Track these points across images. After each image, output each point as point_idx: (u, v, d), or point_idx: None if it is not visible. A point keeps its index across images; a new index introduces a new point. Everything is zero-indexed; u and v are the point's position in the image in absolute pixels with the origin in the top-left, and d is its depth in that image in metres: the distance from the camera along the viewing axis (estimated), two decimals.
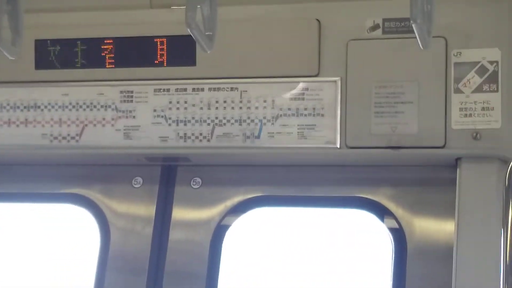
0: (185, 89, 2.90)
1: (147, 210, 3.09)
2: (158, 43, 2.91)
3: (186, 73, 2.90)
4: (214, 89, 2.88)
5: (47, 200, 3.24)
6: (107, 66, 2.96)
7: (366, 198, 2.92)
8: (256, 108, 2.84)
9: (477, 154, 2.68)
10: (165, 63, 2.90)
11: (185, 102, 2.90)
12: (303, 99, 2.80)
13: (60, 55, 3.00)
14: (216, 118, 2.87)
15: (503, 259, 2.17)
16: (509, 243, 2.16)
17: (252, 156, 2.90)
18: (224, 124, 2.86)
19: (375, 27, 2.78)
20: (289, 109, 2.81)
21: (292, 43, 2.82)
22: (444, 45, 2.70)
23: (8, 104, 3.04)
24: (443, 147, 2.69)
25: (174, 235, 3.06)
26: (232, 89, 2.86)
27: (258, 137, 2.83)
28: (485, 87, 2.67)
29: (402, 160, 2.81)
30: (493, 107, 2.66)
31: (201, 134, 2.88)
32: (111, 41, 2.95)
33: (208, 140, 2.87)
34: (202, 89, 2.89)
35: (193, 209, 3.07)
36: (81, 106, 2.98)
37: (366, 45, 2.77)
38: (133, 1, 3.01)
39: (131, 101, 2.94)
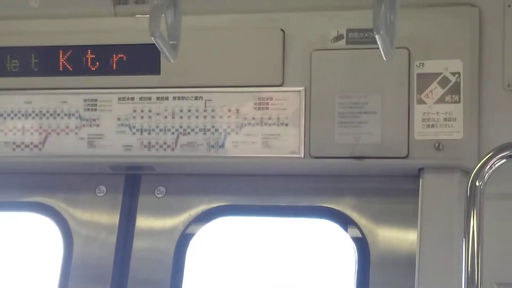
0: (149, 98, 2.89)
1: (111, 219, 3.07)
2: (123, 52, 2.91)
3: (150, 81, 2.89)
4: (179, 98, 2.87)
5: (10, 208, 3.21)
6: (71, 74, 2.94)
7: (330, 208, 2.93)
8: (221, 117, 2.84)
9: (440, 165, 2.69)
10: (129, 71, 2.90)
11: (149, 111, 2.89)
12: (267, 108, 2.81)
13: (24, 63, 2.98)
14: (181, 127, 2.86)
15: (465, 269, 2.18)
16: (470, 252, 2.18)
17: (216, 165, 2.89)
18: (188, 133, 2.86)
19: (339, 38, 2.79)
20: (253, 118, 2.81)
21: (256, 53, 2.83)
22: (407, 56, 2.71)
23: None
24: (406, 157, 2.70)
25: (138, 244, 3.04)
26: (196, 98, 2.86)
27: (222, 146, 2.83)
28: (448, 98, 2.69)
29: (366, 170, 2.82)
30: (455, 118, 2.68)
31: (165, 143, 2.87)
32: (75, 49, 2.94)
33: (172, 149, 2.86)
34: (167, 98, 2.88)
35: (157, 218, 3.06)
36: (44, 114, 2.96)
37: (330, 55, 2.78)
38: (98, 9, 3.00)
39: (95, 109, 2.93)
